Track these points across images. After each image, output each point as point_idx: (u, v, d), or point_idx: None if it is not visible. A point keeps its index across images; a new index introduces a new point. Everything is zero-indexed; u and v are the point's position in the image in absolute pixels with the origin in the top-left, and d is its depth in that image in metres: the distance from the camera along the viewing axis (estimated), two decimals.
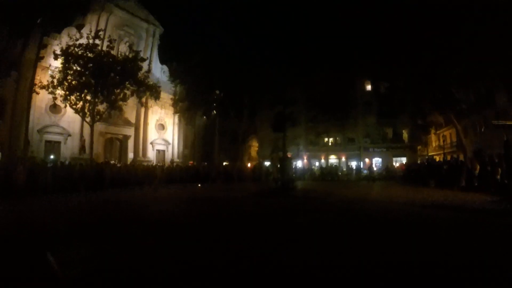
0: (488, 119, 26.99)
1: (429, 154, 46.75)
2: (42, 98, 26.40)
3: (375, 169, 35.48)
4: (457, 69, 24.46)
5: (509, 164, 13.18)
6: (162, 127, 39.80)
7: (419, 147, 45.41)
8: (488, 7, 20.36)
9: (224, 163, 41.00)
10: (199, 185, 22.42)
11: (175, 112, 38.83)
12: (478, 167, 16.01)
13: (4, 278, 4.01)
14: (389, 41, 29.43)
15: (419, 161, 35.35)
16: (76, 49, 24.12)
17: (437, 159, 33.04)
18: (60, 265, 4.34)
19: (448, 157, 32.71)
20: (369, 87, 42.78)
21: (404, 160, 38.54)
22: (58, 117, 29.20)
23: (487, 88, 27.24)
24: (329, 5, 68.62)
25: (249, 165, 38.70)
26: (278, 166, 19.01)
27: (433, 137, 47.90)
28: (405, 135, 41.68)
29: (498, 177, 13.73)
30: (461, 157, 28.21)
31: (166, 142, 40.22)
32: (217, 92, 39.22)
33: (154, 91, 29.72)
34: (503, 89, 25.12)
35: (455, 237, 6.30)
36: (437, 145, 45.06)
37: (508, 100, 25.34)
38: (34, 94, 25.02)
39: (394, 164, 37.05)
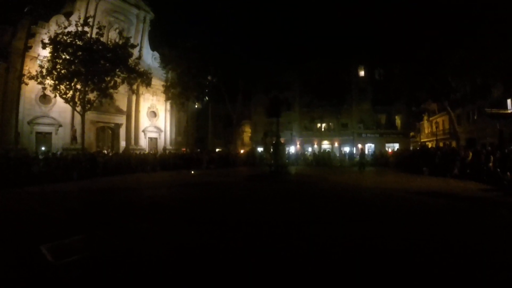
0: (482, 108, 27.13)
1: (422, 140, 47.16)
2: (31, 89, 25.82)
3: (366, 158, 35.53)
4: (454, 59, 24.46)
5: (502, 153, 13.33)
6: (154, 114, 39.36)
7: (412, 134, 45.69)
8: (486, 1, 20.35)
9: (217, 149, 40.92)
10: (192, 171, 22.31)
11: (167, 99, 38.30)
12: (471, 155, 16.18)
13: None
14: (387, 29, 29.25)
15: (411, 148, 35.56)
16: (65, 37, 23.47)
17: (430, 146, 33.32)
18: (53, 253, 4.32)
19: (441, 144, 33.02)
20: (363, 74, 42.65)
21: (397, 146, 38.69)
22: (48, 107, 28.54)
23: (483, 79, 27.29)
24: None
25: (242, 151, 38.54)
26: (272, 151, 19.00)
27: (425, 123, 48.24)
28: (398, 121, 41.78)
29: (491, 165, 13.86)
30: (454, 145, 28.52)
31: (159, 130, 39.84)
32: (209, 77, 38.80)
33: (145, 78, 29.17)
34: (499, 81, 25.17)
35: (447, 223, 6.47)
36: (430, 132, 45.41)
37: (503, 92, 25.46)
38: (23, 85, 24.51)
39: (387, 150, 37.21)
